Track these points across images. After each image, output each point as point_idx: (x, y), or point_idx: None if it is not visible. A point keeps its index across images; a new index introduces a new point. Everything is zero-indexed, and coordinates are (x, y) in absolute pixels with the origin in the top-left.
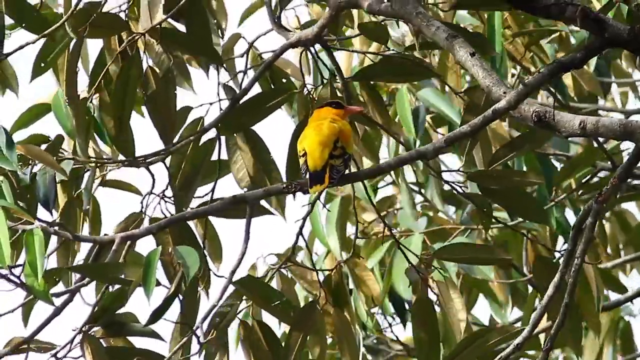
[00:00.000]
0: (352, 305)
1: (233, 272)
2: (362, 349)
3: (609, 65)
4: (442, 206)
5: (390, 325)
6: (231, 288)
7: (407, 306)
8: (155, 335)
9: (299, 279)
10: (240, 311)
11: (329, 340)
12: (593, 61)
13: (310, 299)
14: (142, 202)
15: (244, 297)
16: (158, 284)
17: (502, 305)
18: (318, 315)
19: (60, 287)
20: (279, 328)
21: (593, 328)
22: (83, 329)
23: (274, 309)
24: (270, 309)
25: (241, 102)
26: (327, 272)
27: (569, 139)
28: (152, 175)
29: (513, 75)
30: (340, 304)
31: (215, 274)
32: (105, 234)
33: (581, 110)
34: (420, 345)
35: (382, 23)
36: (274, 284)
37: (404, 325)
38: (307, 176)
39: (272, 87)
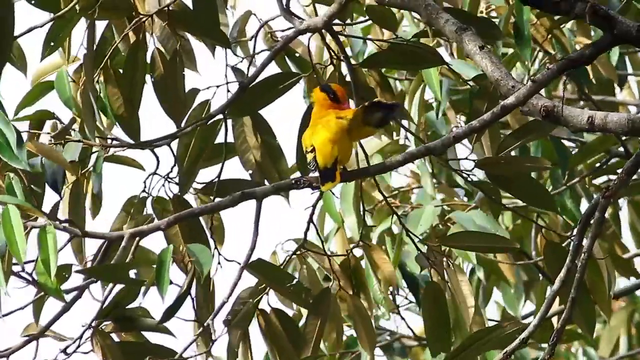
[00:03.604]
0: (371, 292)
1: (243, 268)
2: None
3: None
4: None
5: (397, 307)
6: (245, 283)
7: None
8: (166, 331)
9: (320, 264)
10: (259, 299)
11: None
12: (615, 55)
13: (329, 285)
14: (144, 182)
15: (260, 287)
16: (170, 282)
17: (513, 286)
18: (333, 302)
19: (69, 284)
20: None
21: (605, 314)
22: (92, 324)
23: (287, 291)
24: (284, 292)
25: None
26: (342, 257)
27: None
28: (157, 158)
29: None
30: (358, 289)
31: (226, 259)
32: (112, 224)
33: (588, 102)
34: (431, 331)
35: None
36: (292, 270)
37: (418, 304)
38: (318, 173)
39: (290, 64)
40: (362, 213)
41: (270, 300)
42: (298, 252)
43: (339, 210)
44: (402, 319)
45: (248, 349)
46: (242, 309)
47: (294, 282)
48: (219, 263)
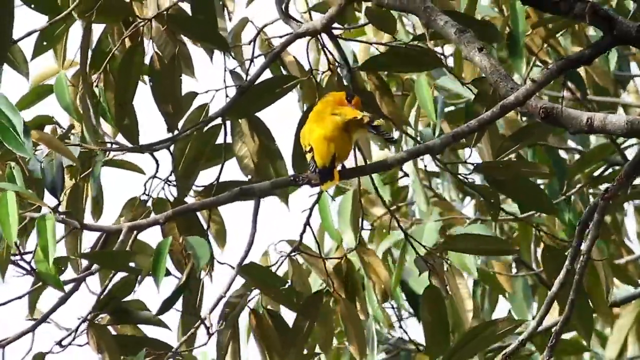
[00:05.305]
0: (365, 295)
1: (240, 264)
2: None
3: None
4: (457, 195)
5: (399, 319)
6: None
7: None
8: (161, 324)
9: (312, 267)
10: (251, 299)
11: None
12: (613, 58)
13: (323, 288)
14: (145, 185)
15: (251, 288)
16: (168, 273)
17: (510, 296)
18: (325, 305)
19: (66, 276)
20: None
21: (603, 319)
22: (88, 317)
23: (278, 295)
24: (275, 295)
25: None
26: (336, 261)
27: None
28: (156, 161)
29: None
30: (351, 294)
31: (219, 262)
32: (113, 224)
33: (591, 103)
34: (430, 334)
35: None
36: (284, 271)
37: (418, 319)
38: (317, 172)
39: (283, 71)
40: (360, 219)
41: (265, 302)
42: (292, 255)
43: (337, 229)
44: (404, 332)
45: (237, 348)
46: (232, 309)
47: (286, 285)
48: (212, 266)
